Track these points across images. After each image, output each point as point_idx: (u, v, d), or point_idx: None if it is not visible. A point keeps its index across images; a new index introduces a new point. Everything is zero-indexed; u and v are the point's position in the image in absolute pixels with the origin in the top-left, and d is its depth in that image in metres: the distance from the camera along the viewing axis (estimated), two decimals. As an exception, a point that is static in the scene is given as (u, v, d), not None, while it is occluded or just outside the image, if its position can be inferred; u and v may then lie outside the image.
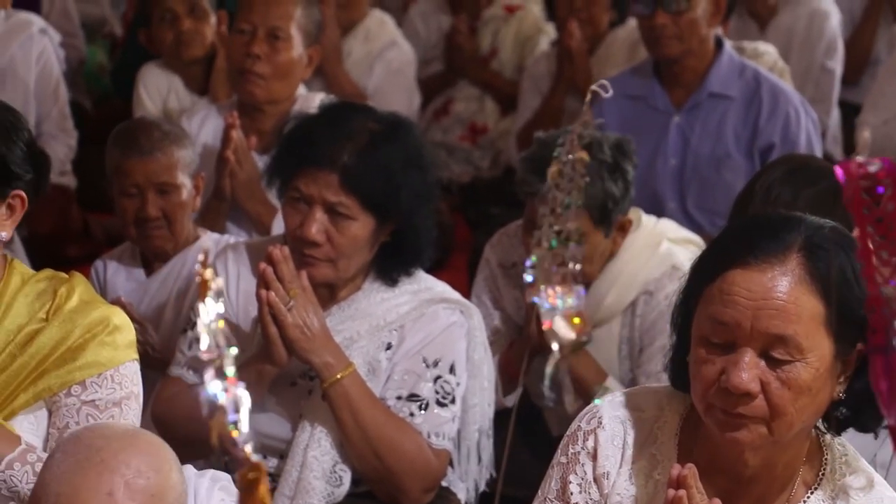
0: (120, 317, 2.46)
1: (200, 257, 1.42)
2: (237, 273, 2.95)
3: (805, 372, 1.94)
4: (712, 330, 1.96)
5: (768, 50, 4.80)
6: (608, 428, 2.12)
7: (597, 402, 2.17)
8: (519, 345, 3.36)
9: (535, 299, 2.84)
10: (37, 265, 2.58)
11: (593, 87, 2.34)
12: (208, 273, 1.33)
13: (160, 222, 3.41)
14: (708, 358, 1.97)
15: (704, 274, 2.01)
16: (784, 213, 2.15)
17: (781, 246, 1.96)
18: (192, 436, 2.87)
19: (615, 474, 2.11)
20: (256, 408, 2.85)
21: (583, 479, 2.12)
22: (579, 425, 2.15)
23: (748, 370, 1.93)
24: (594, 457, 2.11)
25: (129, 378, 2.45)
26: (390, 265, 2.89)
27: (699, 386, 1.99)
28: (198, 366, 2.87)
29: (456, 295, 2.96)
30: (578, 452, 2.12)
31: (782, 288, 1.93)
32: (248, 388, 2.75)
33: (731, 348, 1.95)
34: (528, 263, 2.84)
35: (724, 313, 1.95)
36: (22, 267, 2.48)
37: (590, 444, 2.12)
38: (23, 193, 2.43)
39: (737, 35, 5.24)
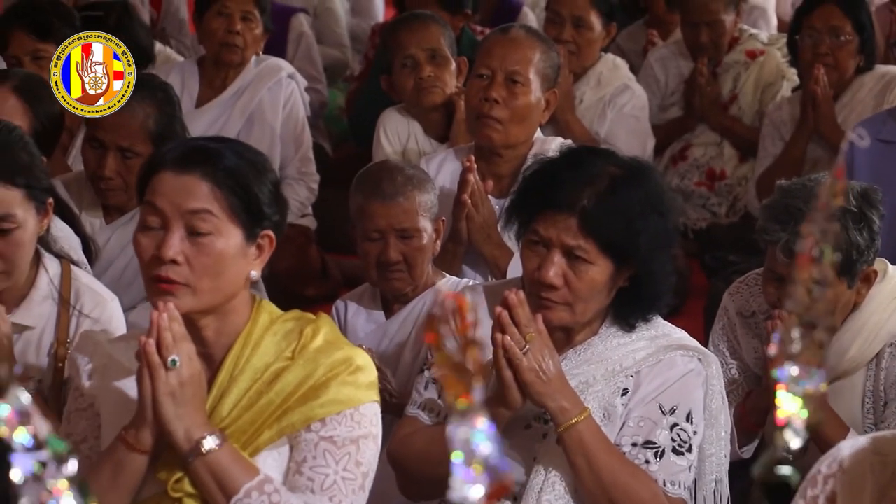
0: (363, 358, 2.49)
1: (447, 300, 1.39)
2: (474, 315, 2.96)
3: None
4: None
5: None
6: (849, 472, 2.08)
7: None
8: (757, 396, 3.30)
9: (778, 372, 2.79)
10: (276, 304, 2.64)
11: (850, 134, 2.28)
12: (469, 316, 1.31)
13: (401, 266, 3.44)
14: None
15: None
16: None
17: None
18: (426, 475, 2.90)
19: None
20: (491, 450, 2.87)
21: None
22: (819, 469, 2.11)
23: None
24: (832, 501, 2.08)
25: (369, 418, 2.47)
26: (627, 310, 2.86)
27: None
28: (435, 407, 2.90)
29: (694, 342, 2.92)
30: (817, 496, 2.09)
31: None
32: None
33: None
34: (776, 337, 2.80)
35: None
36: (271, 307, 2.54)
37: (829, 488, 2.08)
38: (271, 234, 2.48)
39: None
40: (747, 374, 3.41)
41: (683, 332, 2.94)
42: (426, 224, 3.45)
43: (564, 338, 2.87)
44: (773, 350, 1.50)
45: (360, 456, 2.45)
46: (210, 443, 2.38)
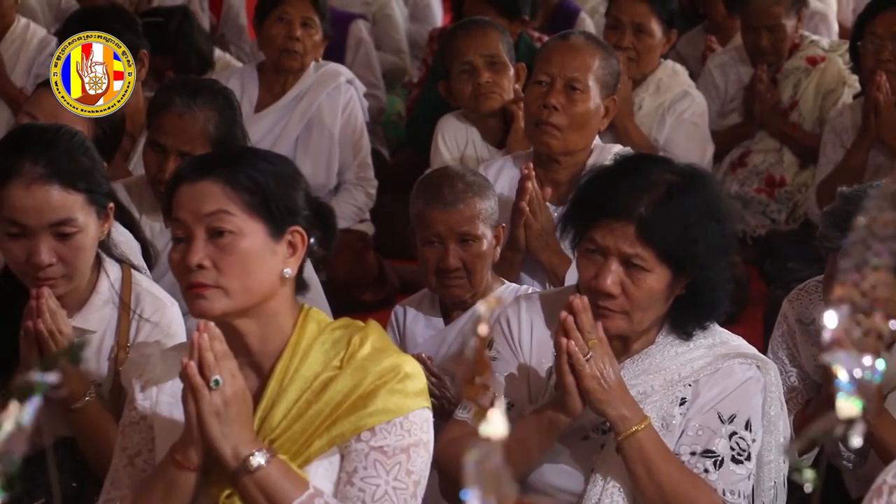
0: (411, 365, 2.47)
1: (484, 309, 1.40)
2: (530, 323, 2.95)
3: None
4: None
5: None
6: None
7: None
8: (817, 403, 3.27)
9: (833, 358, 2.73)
10: (334, 309, 2.64)
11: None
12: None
13: (460, 272, 3.43)
14: None
15: None
16: None
17: None
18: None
19: None
20: (547, 458, 2.86)
21: None
22: (885, 479, 2.09)
23: None
24: None
25: (419, 426, 2.45)
26: (685, 319, 2.84)
27: None
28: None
29: (752, 350, 2.90)
30: None
31: None
32: (538, 436, 2.77)
33: None
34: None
35: None
36: (319, 315, 2.52)
37: (894, 498, 2.06)
38: (302, 230, 2.45)
39: None
40: (807, 381, 3.38)
41: (741, 339, 2.92)
42: (486, 231, 3.44)
43: (621, 346, 2.86)
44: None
45: (411, 465, 2.43)
46: (258, 459, 2.37)
